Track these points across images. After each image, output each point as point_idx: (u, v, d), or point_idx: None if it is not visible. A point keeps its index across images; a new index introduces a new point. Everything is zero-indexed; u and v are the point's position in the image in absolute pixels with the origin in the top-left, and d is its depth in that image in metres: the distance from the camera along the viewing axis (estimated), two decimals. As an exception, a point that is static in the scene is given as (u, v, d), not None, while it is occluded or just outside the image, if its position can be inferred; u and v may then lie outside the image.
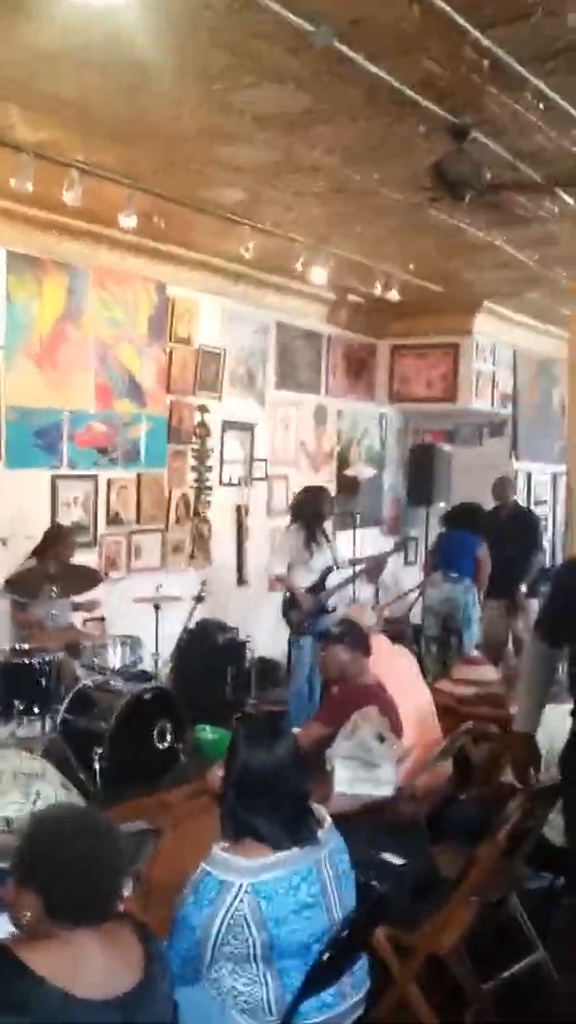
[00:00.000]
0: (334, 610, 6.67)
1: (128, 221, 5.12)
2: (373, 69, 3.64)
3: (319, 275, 6.58)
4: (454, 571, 7.21)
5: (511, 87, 3.84)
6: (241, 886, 2.20)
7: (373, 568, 7.48)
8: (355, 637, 3.94)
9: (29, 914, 1.73)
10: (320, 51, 3.47)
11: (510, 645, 7.76)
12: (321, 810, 2.45)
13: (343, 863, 2.39)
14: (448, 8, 3.21)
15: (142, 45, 3.47)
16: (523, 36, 3.42)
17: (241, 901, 2.19)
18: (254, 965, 2.22)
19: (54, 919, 1.73)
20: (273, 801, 2.31)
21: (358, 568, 6.96)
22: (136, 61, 3.62)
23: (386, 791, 3.37)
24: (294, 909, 2.22)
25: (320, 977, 2.24)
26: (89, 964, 1.71)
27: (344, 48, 3.46)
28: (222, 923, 2.19)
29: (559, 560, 9.45)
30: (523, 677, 3.34)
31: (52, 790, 2.69)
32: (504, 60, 3.59)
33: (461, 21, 3.30)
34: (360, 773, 3.34)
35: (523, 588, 7.78)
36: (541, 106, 4.01)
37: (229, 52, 3.56)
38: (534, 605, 7.84)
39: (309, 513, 6.46)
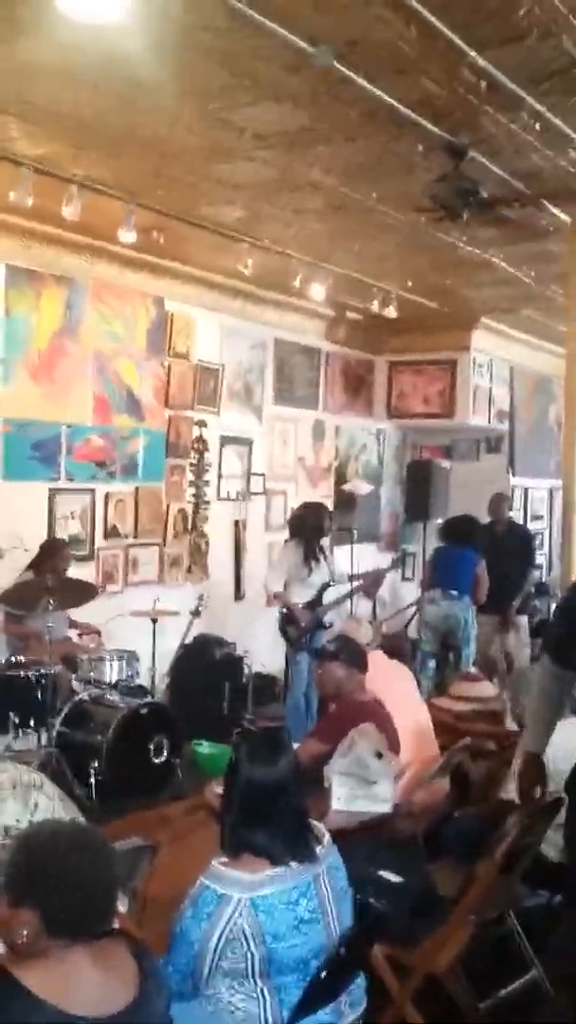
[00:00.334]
0: (331, 626, 6.66)
1: (127, 236, 5.15)
2: (371, 89, 3.69)
3: (317, 292, 6.61)
4: (453, 588, 7.19)
5: (507, 107, 3.89)
6: (240, 900, 2.19)
7: (371, 584, 7.48)
8: (351, 654, 3.93)
9: (26, 932, 1.71)
10: (319, 71, 3.51)
11: (503, 661, 7.75)
12: (320, 827, 2.45)
13: (341, 880, 2.39)
14: (445, 29, 3.25)
15: (141, 62, 3.51)
16: (519, 57, 3.47)
17: (240, 915, 2.18)
18: (252, 981, 2.22)
19: (52, 935, 1.71)
20: (274, 817, 2.31)
21: (356, 584, 6.96)
22: (135, 78, 3.66)
23: (384, 808, 3.36)
24: (293, 924, 2.22)
25: (317, 995, 2.23)
26: (83, 983, 1.70)
27: (343, 68, 3.49)
28: (220, 937, 2.18)
29: (555, 574, 9.45)
30: (533, 698, 3.32)
31: (50, 802, 2.68)
32: (500, 81, 3.64)
33: (458, 42, 3.35)
34: (358, 790, 3.33)
35: (515, 604, 7.78)
36: (537, 126, 4.06)
37: (228, 71, 3.60)
38: (524, 622, 7.84)
39: (308, 529, 6.46)
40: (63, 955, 1.72)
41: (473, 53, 3.42)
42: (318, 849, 2.36)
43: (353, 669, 3.87)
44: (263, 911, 2.19)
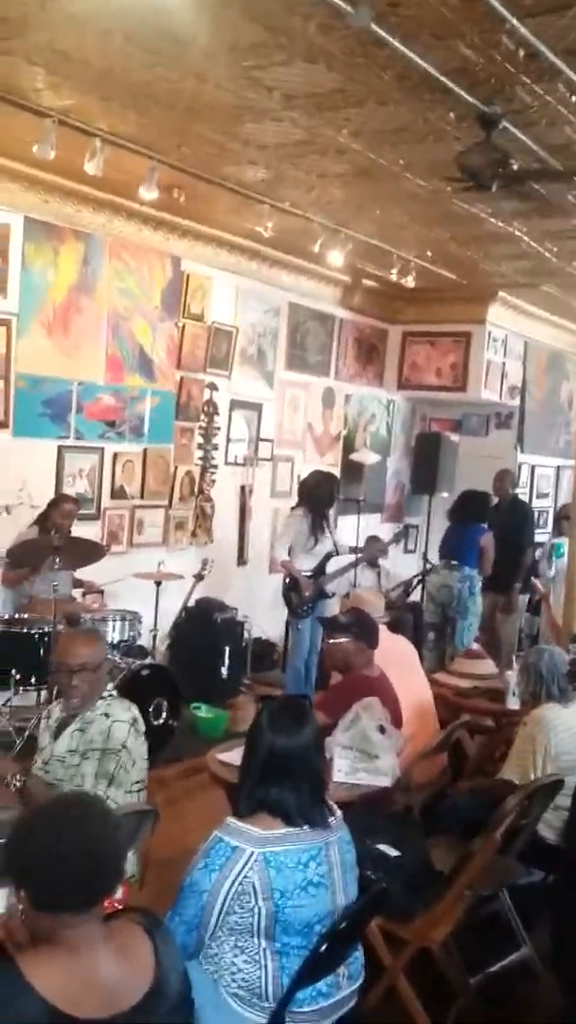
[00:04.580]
0: (333, 595, 6.67)
1: (149, 194, 5.07)
2: (407, 53, 3.60)
3: (336, 257, 6.52)
4: (455, 559, 7.21)
5: (544, 78, 3.80)
6: (252, 854, 2.23)
7: (373, 555, 7.50)
8: (363, 628, 3.89)
9: (22, 909, 1.70)
10: (354, 32, 3.43)
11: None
12: (332, 804, 2.47)
13: (349, 855, 2.42)
14: (489, -5, 3.17)
15: (175, 15, 3.43)
16: (561, 27, 3.37)
17: (251, 869, 2.22)
18: (256, 940, 2.24)
19: (42, 911, 1.68)
20: (293, 781, 2.34)
21: (359, 556, 6.96)
22: (167, 31, 3.57)
23: (384, 782, 3.37)
24: (301, 885, 2.26)
25: (317, 966, 2.25)
26: (94, 980, 1.65)
27: (380, 30, 3.41)
28: (230, 889, 2.22)
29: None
30: None
31: None
32: (540, 50, 3.54)
33: (500, 8, 3.26)
34: (359, 763, 3.34)
35: (517, 585, 7.77)
36: (573, 99, 3.97)
37: (262, 27, 3.51)
38: (520, 600, 7.85)
39: (318, 499, 6.43)
40: (75, 944, 1.66)
41: (515, 21, 3.33)
42: (331, 820, 2.38)
43: (363, 643, 3.85)
44: (273, 867, 2.23)
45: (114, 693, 3.23)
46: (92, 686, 3.12)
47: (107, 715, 3.10)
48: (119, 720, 3.08)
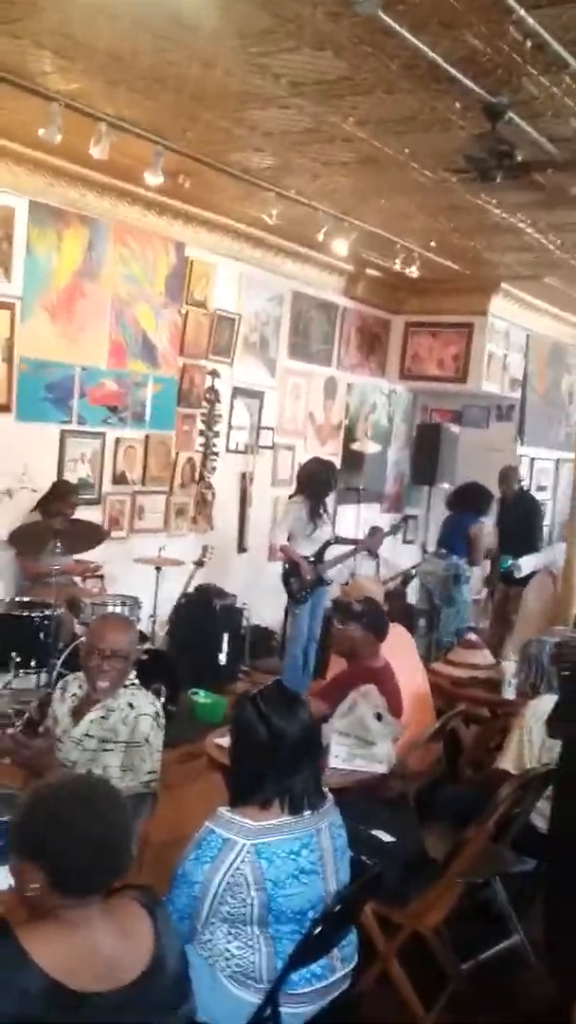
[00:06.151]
0: (331, 582, 6.69)
1: (154, 179, 5.06)
2: (414, 41, 3.59)
3: (340, 246, 6.51)
4: (444, 547, 7.26)
5: (551, 69, 3.79)
6: (244, 846, 2.24)
7: (371, 544, 7.51)
8: (374, 620, 3.89)
9: (34, 886, 1.68)
10: (362, 19, 3.42)
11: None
12: (323, 788, 2.48)
13: (340, 838, 2.44)
14: (497, -16, 3.16)
15: (183, 0, 3.41)
16: (568, 18, 3.37)
17: (243, 861, 2.23)
18: (249, 928, 2.26)
19: (62, 894, 1.68)
20: (282, 770, 2.35)
21: (359, 543, 6.98)
22: (176, 15, 3.56)
23: (381, 769, 3.40)
24: (293, 873, 2.27)
25: (311, 948, 2.27)
26: (94, 955, 1.66)
27: (387, 18, 3.40)
28: (222, 881, 2.23)
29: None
30: None
31: None
32: (547, 41, 3.54)
33: (509, -2, 3.25)
34: (356, 750, 3.36)
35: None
36: (580, 90, 3.97)
37: (270, 14, 3.50)
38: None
39: (316, 485, 6.45)
40: (75, 920, 1.67)
41: (522, 11, 3.32)
42: (322, 806, 2.40)
43: (371, 634, 3.86)
44: (265, 857, 2.24)
45: (136, 682, 3.22)
46: (122, 674, 3.13)
47: (132, 705, 3.10)
48: (144, 713, 3.09)
